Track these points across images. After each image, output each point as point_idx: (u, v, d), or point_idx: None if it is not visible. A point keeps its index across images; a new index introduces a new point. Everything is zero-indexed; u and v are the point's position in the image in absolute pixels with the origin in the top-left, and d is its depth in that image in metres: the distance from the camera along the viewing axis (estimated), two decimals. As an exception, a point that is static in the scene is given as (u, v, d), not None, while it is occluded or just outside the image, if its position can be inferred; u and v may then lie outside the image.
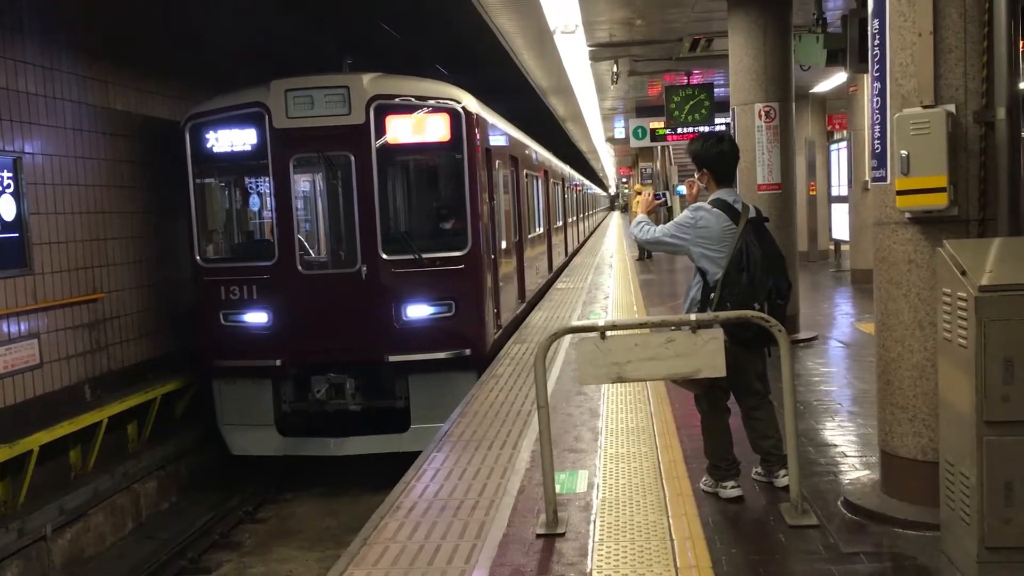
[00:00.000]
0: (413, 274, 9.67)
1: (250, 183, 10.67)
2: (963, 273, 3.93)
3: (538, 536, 4.78)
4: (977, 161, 4.49)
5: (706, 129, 16.17)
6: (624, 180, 63.31)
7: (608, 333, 4.67)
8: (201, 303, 10.03)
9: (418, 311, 9.71)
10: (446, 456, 6.39)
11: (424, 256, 9.68)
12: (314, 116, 9.63)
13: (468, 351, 9.77)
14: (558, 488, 5.29)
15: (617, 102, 22.31)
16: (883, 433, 4.94)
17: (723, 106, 13.31)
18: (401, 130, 9.71)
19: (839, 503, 5.04)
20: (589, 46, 14.01)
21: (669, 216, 23.64)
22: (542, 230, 18.24)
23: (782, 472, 5.19)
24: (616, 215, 71.43)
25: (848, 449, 6.14)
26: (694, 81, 16.90)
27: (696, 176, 5.49)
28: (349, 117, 9.60)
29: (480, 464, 6.14)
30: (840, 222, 18.83)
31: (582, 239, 34.42)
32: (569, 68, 16.26)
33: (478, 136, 10.14)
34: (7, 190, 8.70)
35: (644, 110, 21.24)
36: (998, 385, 3.79)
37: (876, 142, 4.82)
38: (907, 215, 4.63)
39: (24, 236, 8.88)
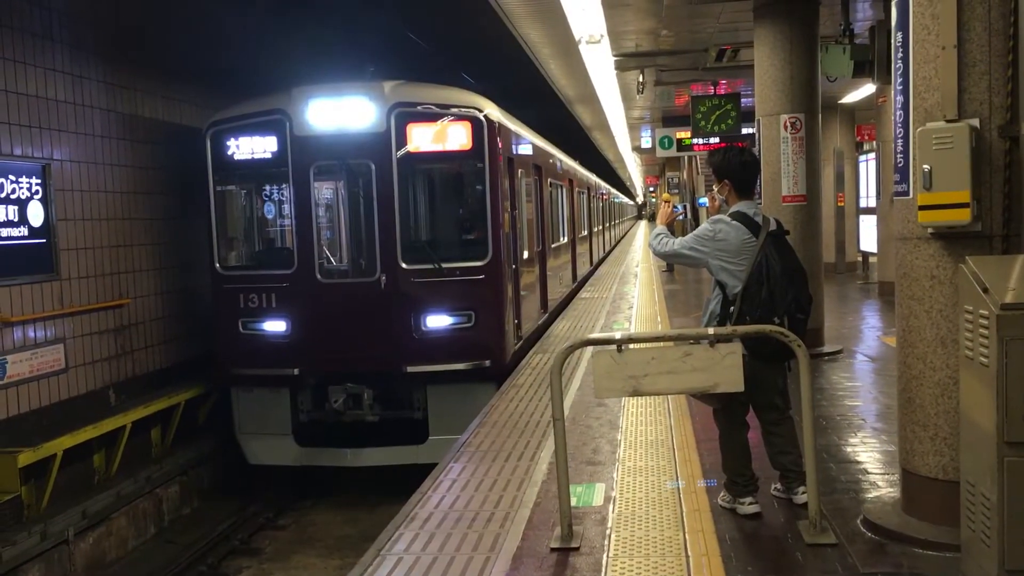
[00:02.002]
0: (433, 284, 9.56)
1: (270, 191, 10.60)
2: (985, 290, 3.86)
3: (552, 550, 4.75)
4: (1001, 176, 4.42)
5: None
6: (651, 189, 63.12)
7: (625, 346, 4.64)
8: (220, 311, 9.98)
9: (437, 321, 9.58)
10: (463, 467, 6.37)
11: (444, 266, 9.58)
12: (335, 123, 9.57)
13: (488, 362, 9.63)
14: (575, 501, 5.27)
15: (643, 112, 22.26)
16: (904, 451, 4.87)
17: (749, 116, 13.24)
18: (422, 138, 9.61)
19: (859, 521, 4.97)
20: (615, 56, 13.99)
21: (695, 225, 23.54)
22: (566, 239, 18.01)
23: (801, 489, 5.13)
24: (643, 224, 71.20)
25: (870, 466, 6.06)
26: (720, 91, 16.82)
27: (716, 188, 5.45)
28: (370, 125, 9.53)
29: (497, 475, 6.12)
30: (868, 234, 18.67)
31: (608, 248, 34.29)
32: (595, 77, 16.24)
33: (500, 145, 10.01)
34: (36, 196, 8.82)
35: (670, 120, 21.18)
36: (1020, 405, 3.72)
37: (899, 156, 4.76)
38: (929, 230, 4.56)
39: (52, 242, 9.00)
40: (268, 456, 9.99)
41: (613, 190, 45.31)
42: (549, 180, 15.18)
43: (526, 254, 12.12)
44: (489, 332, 9.74)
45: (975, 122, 4.41)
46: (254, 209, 10.81)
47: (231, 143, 9.83)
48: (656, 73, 15.69)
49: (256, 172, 10.17)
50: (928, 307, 4.64)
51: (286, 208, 10.09)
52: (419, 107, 9.65)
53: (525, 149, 12.55)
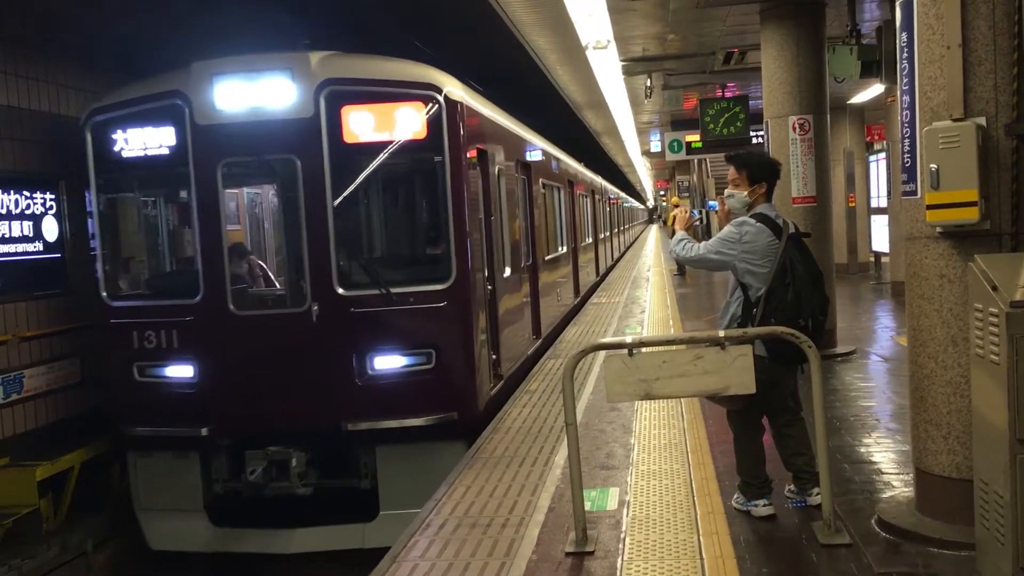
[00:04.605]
0: (380, 315, 7.46)
1: (168, 196, 8.53)
2: (994, 288, 3.87)
3: (567, 554, 4.77)
4: (1009, 174, 4.42)
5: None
6: (662, 193, 63.16)
7: (636, 350, 4.66)
8: (110, 353, 7.95)
9: (387, 363, 7.53)
10: (477, 473, 6.40)
11: (394, 291, 7.44)
12: (248, 108, 7.47)
13: (455, 415, 7.52)
14: (589, 505, 5.29)
15: (652, 116, 22.31)
16: (917, 451, 4.88)
17: (758, 118, 13.25)
18: (362, 125, 7.48)
19: (873, 521, 4.98)
20: (622, 61, 14.04)
21: (708, 234, 23.52)
22: (565, 250, 15.63)
23: (815, 490, 5.14)
24: (654, 229, 71.21)
25: (884, 466, 6.06)
26: (729, 94, 16.84)
27: (746, 192, 5.30)
28: (294, 109, 7.41)
29: (511, 481, 6.14)
30: (880, 234, 18.62)
31: (617, 255, 33.51)
32: (603, 83, 16.29)
33: (466, 132, 7.79)
34: (50, 212, 8.91)
35: (679, 123, 21.20)
36: (1031, 402, 3.73)
37: (906, 156, 4.78)
38: (938, 229, 4.57)
39: (66, 257, 9.08)
40: (174, 540, 7.93)
41: (622, 194, 45.05)
42: (541, 180, 12.93)
43: (508, 271, 9.82)
44: (455, 375, 7.62)
45: (981, 120, 4.43)
46: (149, 220, 8.66)
47: (117, 136, 7.77)
48: (664, 77, 15.73)
49: (149, 173, 8.05)
50: (938, 306, 4.65)
51: (189, 219, 7.94)
52: (357, 85, 7.56)
53: (506, 141, 10.17)
